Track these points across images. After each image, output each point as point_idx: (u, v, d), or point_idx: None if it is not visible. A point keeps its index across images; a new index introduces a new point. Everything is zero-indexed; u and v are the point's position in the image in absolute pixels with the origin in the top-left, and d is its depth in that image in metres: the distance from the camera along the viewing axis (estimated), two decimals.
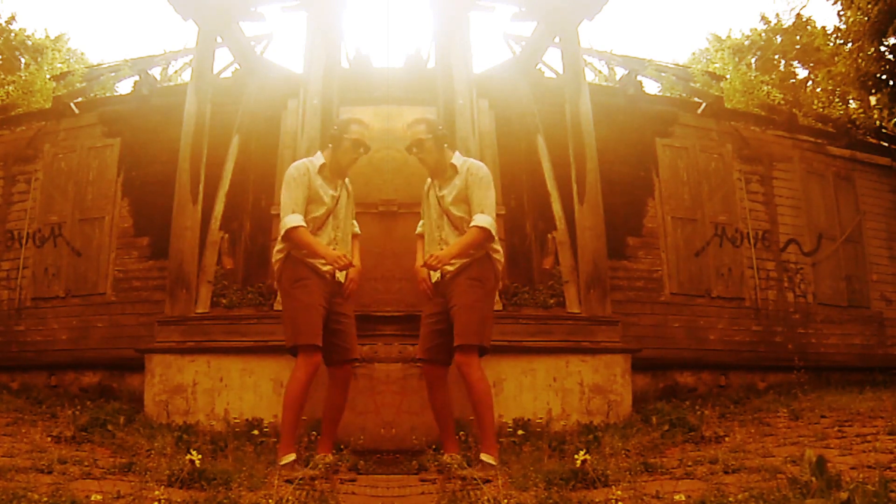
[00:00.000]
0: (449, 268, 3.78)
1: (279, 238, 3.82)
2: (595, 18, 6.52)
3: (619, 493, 2.77)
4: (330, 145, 3.92)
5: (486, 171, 3.91)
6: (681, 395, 7.14)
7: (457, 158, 3.95)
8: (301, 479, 3.21)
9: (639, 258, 7.86)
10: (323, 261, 3.73)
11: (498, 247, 3.87)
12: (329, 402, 3.85)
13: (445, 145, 3.97)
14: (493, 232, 3.78)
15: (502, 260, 3.93)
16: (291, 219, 3.74)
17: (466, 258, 3.77)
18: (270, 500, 2.75)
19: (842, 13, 10.97)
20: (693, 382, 7.59)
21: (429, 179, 4.05)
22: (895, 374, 8.19)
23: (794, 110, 10.34)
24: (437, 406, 3.89)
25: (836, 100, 12.95)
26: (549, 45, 7.57)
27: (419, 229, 4.17)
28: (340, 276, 3.88)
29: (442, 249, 3.81)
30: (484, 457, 3.57)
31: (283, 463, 3.52)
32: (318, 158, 3.92)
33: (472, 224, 3.76)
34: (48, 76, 12.72)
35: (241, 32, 7.30)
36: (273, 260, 3.87)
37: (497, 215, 6.61)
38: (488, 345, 3.75)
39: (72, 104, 8.59)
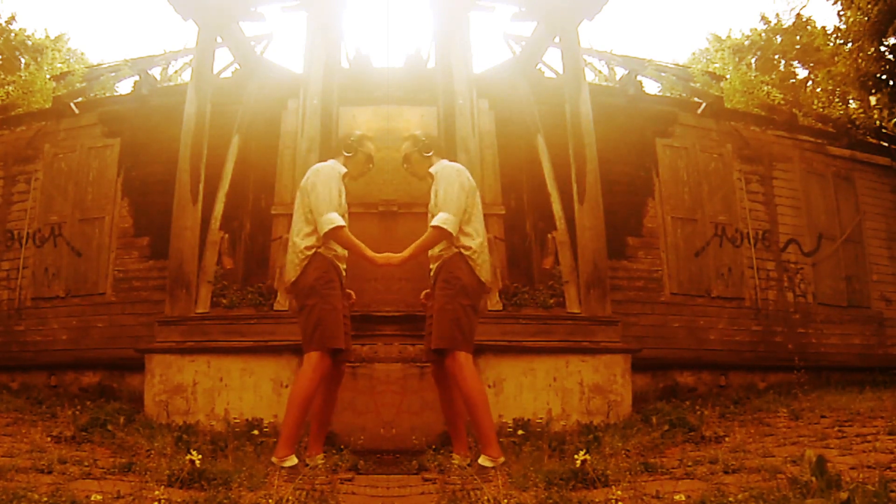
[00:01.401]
0: (431, 271, 3.90)
1: (312, 235, 3.78)
2: (595, 18, 6.52)
3: (619, 493, 2.77)
4: (345, 153, 4.00)
5: (451, 170, 3.90)
6: (681, 395, 7.14)
7: (435, 167, 3.98)
8: (302, 478, 3.21)
9: (639, 258, 7.87)
10: (343, 264, 3.89)
11: (470, 243, 3.79)
12: (326, 400, 3.84)
13: (430, 153, 4.01)
14: (451, 228, 3.71)
15: (476, 257, 3.81)
16: (335, 217, 3.74)
17: (437, 261, 3.83)
18: (270, 500, 2.75)
19: (842, 13, 10.96)
20: (693, 382, 7.58)
21: None
22: (895, 374, 8.18)
23: (794, 110, 10.33)
24: (443, 405, 3.90)
25: (836, 100, 12.94)
26: (549, 45, 7.57)
27: None
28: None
29: (431, 251, 3.91)
30: (482, 459, 3.55)
31: (286, 465, 3.50)
32: (340, 166, 3.99)
33: (431, 223, 3.77)
34: (48, 76, 12.71)
35: (241, 32, 7.30)
36: (299, 256, 3.79)
37: (497, 215, 6.73)
38: (462, 346, 3.68)
39: (72, 104, 8.60)
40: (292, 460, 3.54)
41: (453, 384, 3.71)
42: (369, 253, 3.79)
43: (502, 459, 3.59)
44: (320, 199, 3.77)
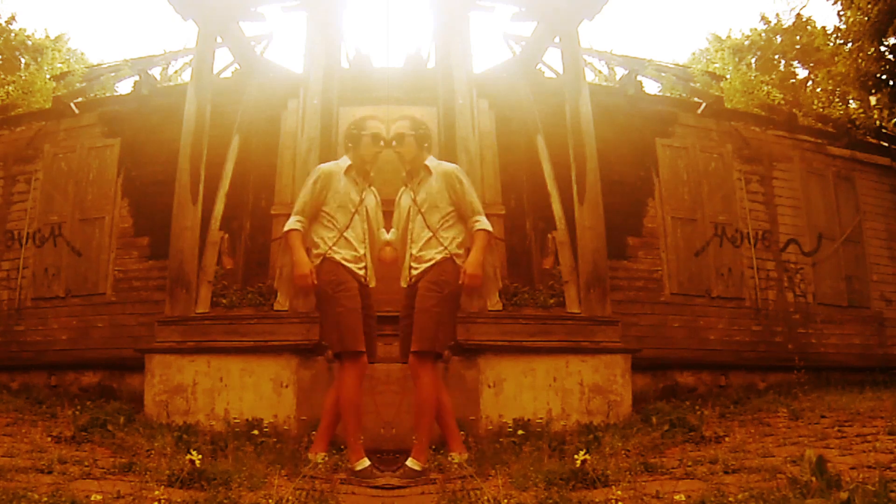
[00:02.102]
0: (414, 272, 3.85)
1: (318, 239, 3.88)
2: (595, 18, 6.52)
3: (619, 493, 2.77)
4: (350, 145, 3.97)
5: (462, 173, 3.99)
6: (681, 395, 7.14)
7: (430, 161, 3.98)
8: (302, 478, 3.21)
9: (639, 258, 7.87)
10: (358, 266, 3.82)
11: (462, 249, 3.88)
12: (337, 402, 3.81)
13: (426, 145, 3.99)
14: (491, 230, 3.92)
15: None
16: (289, 222, 3.86)
17: (427, 263, 3.80)
18: (270, 500, 2.75)
19: (842, 13, 10.96)
20: (693, 382, 7.58)
21: (402, 187, 4.08)
22: (895, 374, 8.18)
23: (794, 110, 10.33)
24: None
25: (836, 100, 12.93)
26: (549, 45, 7.57)
27: (389, 236, 4.11)
28: (371, 280, 3.96)
29: (416, 251, 3.85)
30: (410, 462, 3.59)
31: (357, 469, 3.54)
32: (345, 161, 3.97)
33: (477, 228, 3.84)
34: (48, 76, 12.70)
35: (241, 32, 7.30)
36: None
37: (497, 215, 6.72)
38: (441, 350, 3.77)
39: (72, 104, 8.60)
40: (363, 463, 3.58)
41: (415, 384, 3.72)
42: (298, 258, 3.74)
43: (427, 466, 3.64)
44: (295, 203, 3.92)
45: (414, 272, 3.85)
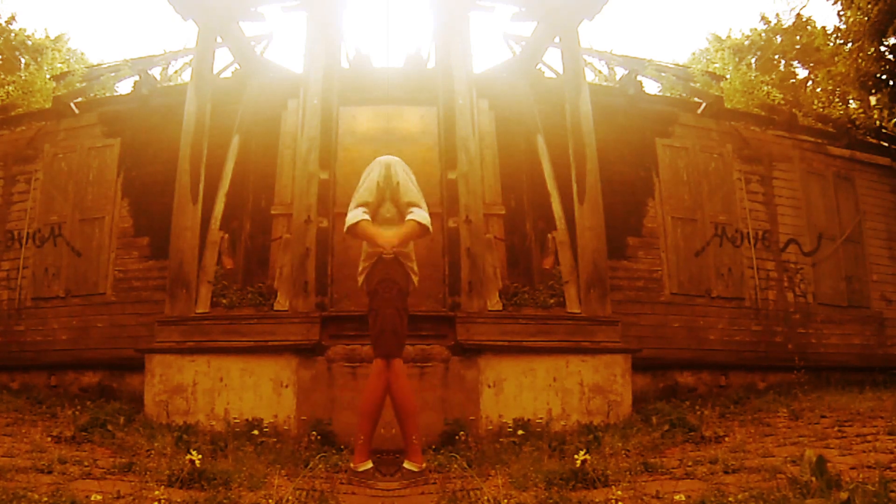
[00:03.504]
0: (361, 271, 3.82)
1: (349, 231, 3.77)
2: (595, 18, 6.53)
3: (619, 493, 2.77)
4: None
5: (405, 165, 3.91)
6: (681, 395, 7.14)
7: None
8: (302, 478, 3.21)
9: (639, 258, 7.86)
10: (410, 262, 3.81)
11: (409, 248, 3.83)
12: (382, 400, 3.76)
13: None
14: (430, 227, 3.76)
15: (414, 258, 3.87)
16: (352, 215, 3.72)
17: (372, 259, 3.76)
18: (270, 500, 2.75)
19: (842, 13, 10.97)
20: (693, 382, 7.58)
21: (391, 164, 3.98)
22: (895, 374, 8.18)
23: (794, 110, 10.33)
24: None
25: (836, 100, 12.95)
26: (549, 45, 7.57)
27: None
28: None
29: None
30: (407, 464, 3.59)
31: (360, 470, 3.53)
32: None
33: (410, 217, 3.72)
34: (48, 76, 12.71)
35: (241, 32, 7.29)
36: (362, 258, 3.81)
37: (497, 215, 6.73)
38: (397, 352, 3.70)
39: (72, 104, 8.59)
40: (366, 465, 3.57)
41: (390, 388, 3.69)
42: (378, 234, 3.71)
43: (425, 465, 3.64)
44: (356, 194, 3.80)
45: (363, 270, 3.83)
